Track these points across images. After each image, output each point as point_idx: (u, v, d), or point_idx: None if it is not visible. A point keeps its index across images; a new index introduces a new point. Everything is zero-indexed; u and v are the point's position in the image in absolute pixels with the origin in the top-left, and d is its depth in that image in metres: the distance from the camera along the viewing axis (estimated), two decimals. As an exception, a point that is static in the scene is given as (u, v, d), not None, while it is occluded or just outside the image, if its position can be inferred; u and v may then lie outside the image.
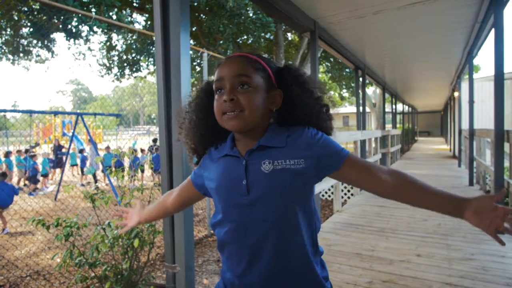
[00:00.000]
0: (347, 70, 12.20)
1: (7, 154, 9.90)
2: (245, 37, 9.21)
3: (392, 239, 3.04)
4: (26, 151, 9.99)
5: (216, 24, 7.46)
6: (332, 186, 5.55)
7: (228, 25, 7.56)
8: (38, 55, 9.48)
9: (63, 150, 10.88)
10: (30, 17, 7.40)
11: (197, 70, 10.26)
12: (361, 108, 6.28)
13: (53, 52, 9.32)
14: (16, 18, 7.71)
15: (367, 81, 7.88)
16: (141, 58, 10.04)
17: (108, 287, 2.19)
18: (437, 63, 6.77)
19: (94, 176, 10.00)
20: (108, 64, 10.41)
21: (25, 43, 8.88)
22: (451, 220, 3.39)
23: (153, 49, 9.35)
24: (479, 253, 2.62)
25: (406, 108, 17.33)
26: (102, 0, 6.41)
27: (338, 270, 2.41)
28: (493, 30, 3.25)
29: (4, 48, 8.80)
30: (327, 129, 0.87)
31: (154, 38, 1.90)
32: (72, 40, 7.86)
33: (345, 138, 4.71)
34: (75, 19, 7.20)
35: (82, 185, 9.86)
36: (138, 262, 2.50)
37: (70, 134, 11.07)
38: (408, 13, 3.58)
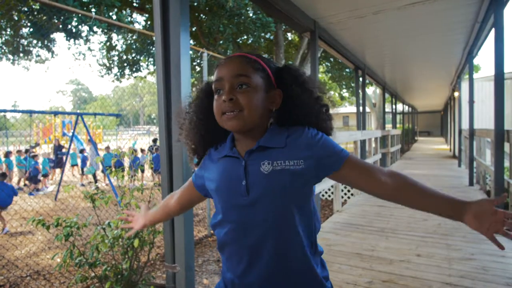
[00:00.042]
0: (347, 70, 12.19)
1: (7, 154, 9.90)
2: (245, 37, 9.21)
3: (392, 239, 3.04)
4: (26, 151, 10.00)
5: (216, 24, 7.46)
6: (332, 186, 5.55)
7: (228, 25, 7.56)
8: (38, 55, 9.47)
9: (63, 150, 10.88)
10: (30, 17, 7.40)
11: (197, 70, 10.26)
12: (361, 108, 6.28)
13: (53, 52, 9.31)
14: (16, 18, 7.70)
15: (367, 81, 7.88)
16: (141, 58, 10.04)
17: (108, 287, 2.19)
18: (437, 63, 6.77)
19: (94, 176, 10.01)
20: (108, 64, 10.40)
21: (25, 43, 8.88)
22: (451, 220, 3.38)
23: (153, 49, 9.35)
24: (479, 253, 2.63)
25: (406, 108, 17.32)
26: (102, 0, 6.42)
27: (338, 270, 2.41)
28: (493, 30, 3.26)
29: (4, 48, 8.80)
30: (327, 129, 0.87)
31: (154, 38, 1.90)
32: (72, 40, 7.86)
33: (345, 138, 4.71)
34: (75, 19, 7.20)
35: (82, 185, 9.86)
36: (138, 262, 2.51)
37: (70, 134, 11.07)
38: (408, 13, 3.58)
